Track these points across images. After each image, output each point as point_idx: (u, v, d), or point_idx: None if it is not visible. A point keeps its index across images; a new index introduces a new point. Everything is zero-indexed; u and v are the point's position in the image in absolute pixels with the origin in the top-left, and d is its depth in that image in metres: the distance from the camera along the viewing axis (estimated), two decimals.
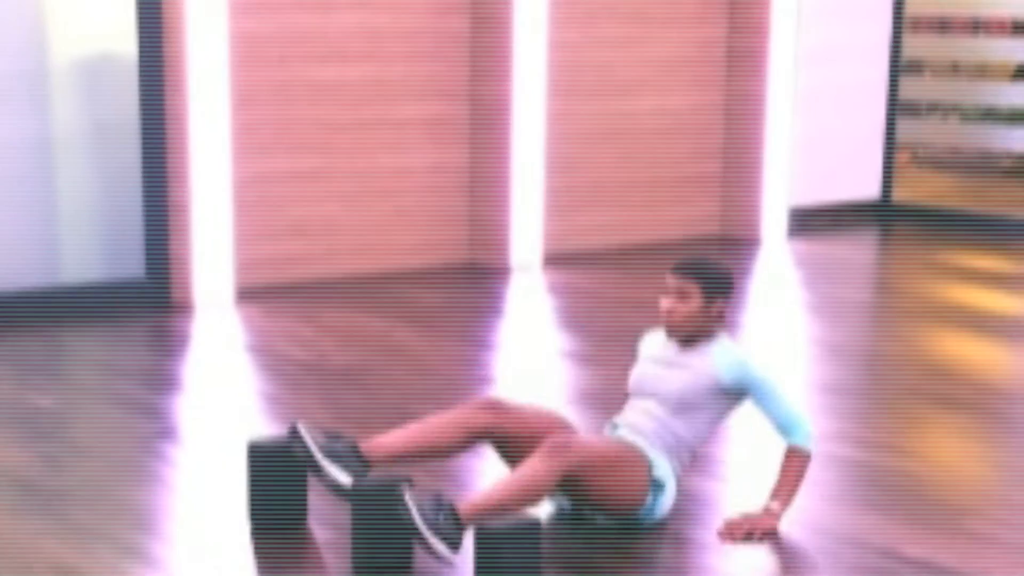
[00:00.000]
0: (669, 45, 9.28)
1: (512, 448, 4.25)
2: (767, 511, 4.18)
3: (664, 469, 4.22)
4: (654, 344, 4.45)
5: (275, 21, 7.63)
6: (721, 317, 4.33)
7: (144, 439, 5.01)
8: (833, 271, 8.45)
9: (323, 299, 7.45)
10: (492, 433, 4.21)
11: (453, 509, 3.76)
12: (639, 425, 4.28)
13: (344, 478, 3.98)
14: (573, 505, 4.29)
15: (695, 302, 4.28)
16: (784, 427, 4.24)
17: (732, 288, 4.35)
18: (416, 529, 3.67)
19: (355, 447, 4.05)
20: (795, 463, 4.22)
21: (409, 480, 3.82)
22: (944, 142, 10.76)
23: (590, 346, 6.48)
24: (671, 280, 4.30)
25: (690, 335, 4.32)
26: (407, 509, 3.69)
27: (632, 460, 4.13)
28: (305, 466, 4.02)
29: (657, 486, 4.20)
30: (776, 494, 4.21)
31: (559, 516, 4.30)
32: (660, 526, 4.23)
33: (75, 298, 7.05)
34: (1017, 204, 11.50)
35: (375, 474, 3.84)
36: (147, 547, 4.00)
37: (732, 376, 4.25)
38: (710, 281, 4.29)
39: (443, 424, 4.18)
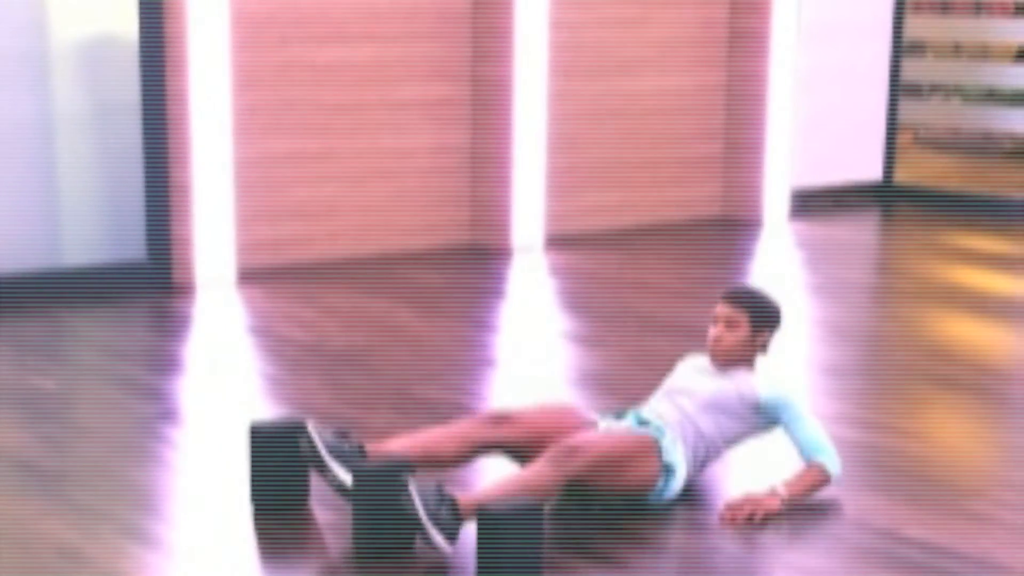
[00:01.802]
0: (670, 25, 9.26)
1: (524, 454, 4.24)
2: (772, 491, 4.19)
3: (675, 454, 4.22)
4: (694, 362, 4.49)
5: (276, 2, 7.61)
6: (765, 348, 4.40)
7: (146, 421, 5.01)
8: (835, 252, 8.44)
9: (324, 280, 7.45)
10: (500, 445, 4.20)
11: (455, 502, 3.77)
12: (664, 414, 4.30)
13: (348, 477, 3.98)
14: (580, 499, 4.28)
15: (743, 332, 4.34)
16: (812, 450, 4.25)
17: (780, 321, 4.41)
18: (417, 518, 3.68)
19: (362, 449, 4.06)
20: (815, 474, 4.24)
21: (411, 467, 3.82)
22: (946, 123, 10.75)
23: (592, 327, 6.48)
24: (721, 308, 4.36)
25: (733, 363, 4.38)
26: (410, 498, 3.70)
27: (641, 451, 4.12)
28: (310, 463, 4.02)
29: (668, 470, 4.20)
30: (787, 482, 4.22)
31: (563, 496, 4.30)
32: (665, 509, 4.23)
33: (77, 280, 7.05)
34: (1018, 185, 11.49)
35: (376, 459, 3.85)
36: (149, 528, 4.01)
37: (769, 395, 4.28)
38: (759, 313, 4.35)
39: (449, 436, 4.18)
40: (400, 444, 4.14)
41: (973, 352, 6.16)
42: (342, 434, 4.07)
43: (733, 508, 4.15)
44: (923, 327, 6.61)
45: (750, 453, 4.75)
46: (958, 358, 6.06)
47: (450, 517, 3.74)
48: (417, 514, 3.67)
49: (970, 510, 4.25)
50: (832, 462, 4.25)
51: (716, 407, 4.30)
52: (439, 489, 3.77)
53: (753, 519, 4.13)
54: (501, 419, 4.22)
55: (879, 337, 6.40)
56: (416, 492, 3.72)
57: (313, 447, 3.99)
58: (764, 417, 4.33)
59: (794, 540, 3.99)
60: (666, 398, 4.37)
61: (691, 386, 4.36)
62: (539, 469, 3.90)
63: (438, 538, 3.71)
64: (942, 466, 4.65)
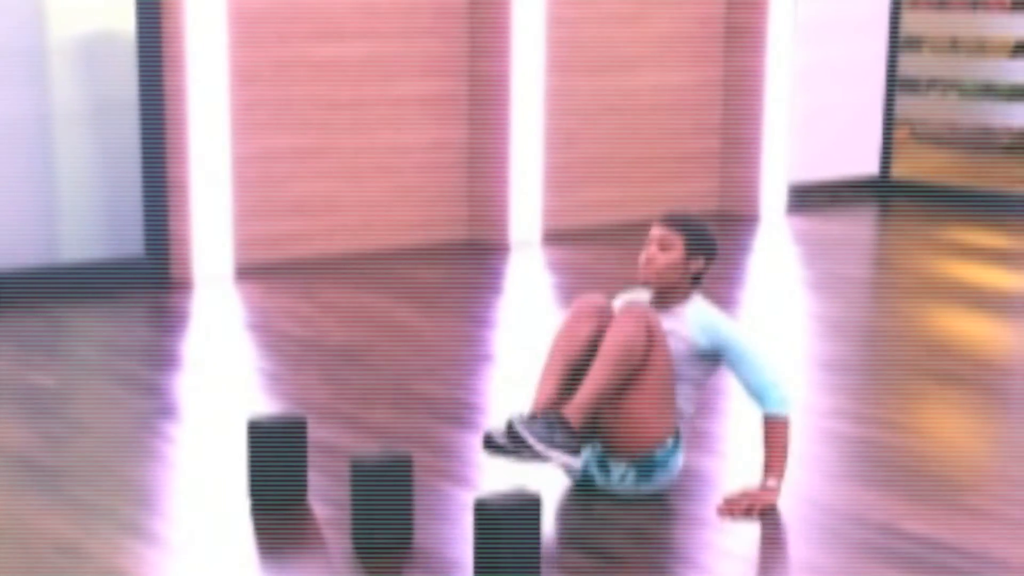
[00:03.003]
0: (668, 21, 9.26)
1: None
2: (766, 487, 4.17)
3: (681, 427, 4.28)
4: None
5: None
6: (699, 277, 4.28)
7: (144, 416, 5.01)
8: (832, 247, 8.45)
9: (322, 277, 7.45)
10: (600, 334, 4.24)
11: (564, 420, 3.94)
12: None
13: (575, 461, 4.05)
14: (593, 452, 4.26)
15: (676, 254, 4.23)
16: (756, 392, 4.17)
17: (715, 251, 4.29)
18: (538, 454, 3.86)
19: (561, 420, 4.06)
20: (775, 432, 4.16)
21: (409, 458, 3.82)
22: (943, 118, 10.75)
23: None
24: (655, 229, 4.26)
25: (664, 290, 4.27)
26: (524, 441, 3.86)
27: (673, 399, 4.18)
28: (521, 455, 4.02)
29: (678, 439, 4.21)
30: (769, 469, 4.18)
31: (569, 485, 4.30)
32: (662, 503, 4.23)
33: (75, 276, 7.05)
34: (1016, 180, 11.50)
35: (375, 450, 3.85)
36: (147, 524, 4.01)
37: (707, 338, 4.20)
38: (695, 236, 4.25)
39: (572, 344, 4.19)
40: (550, 387, 4.15)
41: (970, 347, 6.17)
42: (531, 418, 4.07)
43: (731, 503, 4.15)
44: (920, 322, 6.62)
45: (747, 435, 4.75)
46: (956, 353, 6.07)
47: (566, 436, 3.93)
48: (536, 451, 3.83)
49: (968, 505, 4.26)
50: (778, 402, 4.14)
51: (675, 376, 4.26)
52: (544, 416, 3.93)
53: (751, 513, 4.13)
54: (599, 310, 4.23)
55: (876, 332, 6.40)
56: (527, 431, 3.90)
57: (529, 448, 4.00)
58: (707, 362, 4.25)
59: (792, 535, 3.99)
60: None
61: None
62: (617, 330, 4.05)
63: (565, 459, 3.92)
64: (940, 461, 4.66)
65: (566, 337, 4.19)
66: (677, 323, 4.24)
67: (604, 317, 4.22)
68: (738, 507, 4.13)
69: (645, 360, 4.13)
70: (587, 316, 4.21)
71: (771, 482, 4.18)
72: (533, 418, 3.99)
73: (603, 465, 4.25)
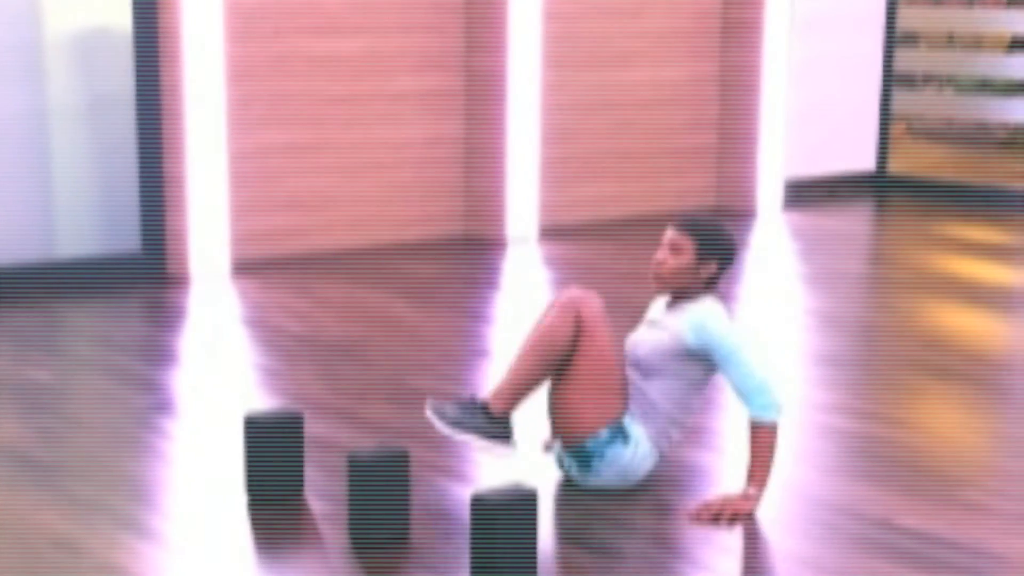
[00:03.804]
0: (664, 16, 9.26)
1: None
2: (745, 496, 4.08)
3: (636, 431, 4.21)
4: (654, 308, 4.41)
5: None
6: (712, 281, 4.24)
7: (141, 412, 5.01)
8: (828, 243, 8.45)
9: (319, 272, 7.45)
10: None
11: (483, 406, 4.06)
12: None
13: (499, 446, 4.15)
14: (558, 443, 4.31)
15: (686, 258, 4.19)
16: (743, 394, 4.10)
17: (731, 255, 4.24)
18: (449, 436, 3.98)
19: (482, 407, 4.17)
20: (760, 438, 4.07)
21: (405, 452, 3.83)
22: (939, 114, 10.76)
23: None
24: (668, 232, 4.23)
25: (676, 293, 4.25)
26: (434, 421, 4.04)
27: (612, 389, 4.18)
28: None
29: (618, 432, 4.18)
30: (752, 477, 4.09)
31: (558, 483, 4.31)
32: (655, 497, 4.23)
33: (71, 272, 7.05)
34: (1012, 175, 11.50)
35: (372, 446, 3.85)
36: (144, 520, 4.01)
37: (696, 337, 4.14)
38: (706, 240, 4.20)
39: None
40: (506, 384, 4.21)
41: (967, 342, 6.18)
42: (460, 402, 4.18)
43: (701, 509, 4.06)
44: (917, 317, 6.62)
45: (743, 431, 4.76)
46: (952, 348, 6.07)
47: (485, 420, 4.04)
48: (446, 434, 3.97)
49: (964, 499, 4.26)
50: (763, 407, 4.05)
51: (653, 369, 4.20)
52: (458, 402, 4.06)
53: (720, 519, 4.05)
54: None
55: (873, 327, 6.41)
56: (434, 414, 4.04)
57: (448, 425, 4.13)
58: (700, 362, 4.19)
59: (788, 529, 4.00)
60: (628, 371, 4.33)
61: (635, 350, 4.26)
62: (544, 322, 4.15)
63: (484, 443, 4.04)
64: (936, 455, 4.66)
65: (532, 330, 4.23)
66: (676, 321, 4.21)
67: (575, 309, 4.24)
68: (706, 513, 4.05)
69: (573, 349, 4.17)
70: (556, 308, 4.23)
71: (751, 490, 4.08)
72: (448, 403, 4.12)
73: (559, 456, 4.33)
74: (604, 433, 4.18)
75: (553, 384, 4.24)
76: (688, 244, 4.20)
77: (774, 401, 4.09)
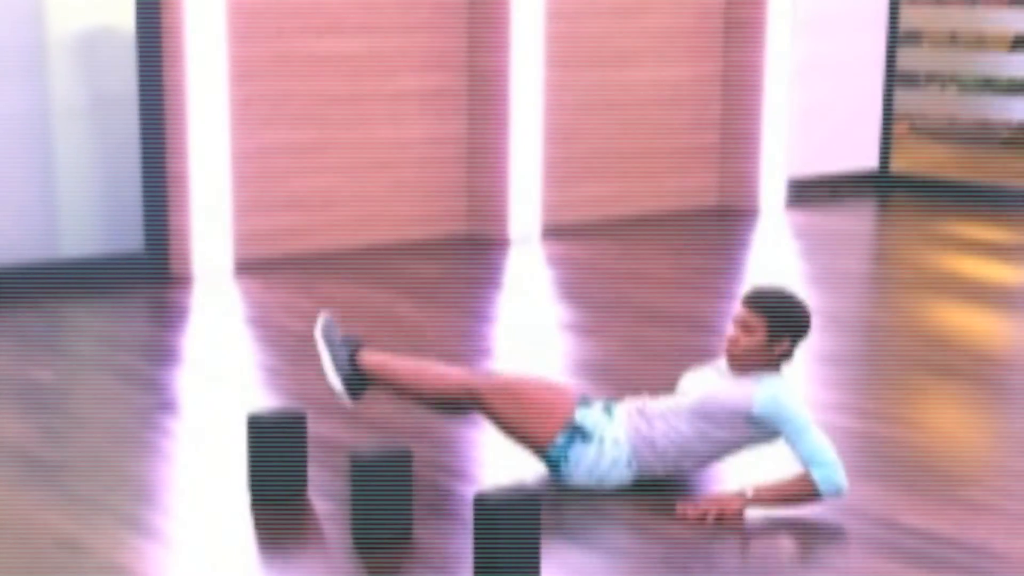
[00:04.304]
0: (667, 15, 9.26)
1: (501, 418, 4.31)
2: (739, 493, 4.06)
3: (602, 429, 4.21)
4: (716, 366, 4.33)
5: None
6: (788, 356, 4.16)
7: (144, 411, 5.01)
8: (831, 242, 8.45)
9: (322, 271, 7.45)
10: (479, 399, 4.31)
11: (358, 350, 4.43)
12: (637, 400, 4.30)
13: (337, 383, 4.47)
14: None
15: (759, 337, 4.12)
16: (814, 463, 4.04)
17: (804, 330, 4.14)
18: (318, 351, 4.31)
19: (357, 349, 4.51)
20: (800, 485, 4.04)
21: (408, 451, 3.83)
22: (942, 112, 10.75)
23: (589, 318, 6.48)
24: (739, 310, 4.15)
25: (748, 368, 4.18)
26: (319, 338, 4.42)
27: (549, 400, 4.23)
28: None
29: (573, 432, 4.19)
30: (759, 487, 4.06)
31: (554, 484, 4.31)
32: (658, 495, 4.23)
33: (74, 271, 7.05)
34: (1015, 174, 11.50)
35: (374, 445, 3.85)
36: (147, 519, 4.01)
37: (764, 409, 4.07)
38: (779, 319, 4.11)
39: (439, 375, 4.41)
40: (387, 360, 4.47)
41: (970, 340, 6.17)
42: (351, 340, 4.50)
43: (690, 504, 4.05)
44: (920, 316, 6.62)
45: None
46: (955, 346, 6.07)
47: (347, 362, 4.36)
48: (317, 347, 4.21)
49: (967, 498, 4.26)
50: (827, 478, 4.02)
51: (704, 414, 4.13)
52: (346, 336, 4.39)
53: (706, 518, 4.03)
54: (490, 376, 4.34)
55: (876, 326, 6.40)
56: (320, 328, 4.37)
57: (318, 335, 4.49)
58: (759, 429, 4.12)
59: (790, 528, 3.99)
60: (664, 397, 4.34)
61: (695, 386, 4.22)
62: (449, 370, 4.34)
63: (331, 376, 4.36)
64: (939, 454, 4.66)
65: (445, 373, 4.42)
66: (747, 382, 4.14)
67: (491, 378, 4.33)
68: (696, 510, 4.03)
69: (479, 407, 4.31)
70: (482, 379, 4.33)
71: (749, 491, 4.05)
72: (338, 327, 4.39)
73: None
74: (560, 438, 4.22)
75: (497, 425, 4.31)
76: (759, 323, 4.11)
77: (840, 484, 4.04)
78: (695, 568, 3.71)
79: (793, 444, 4.06)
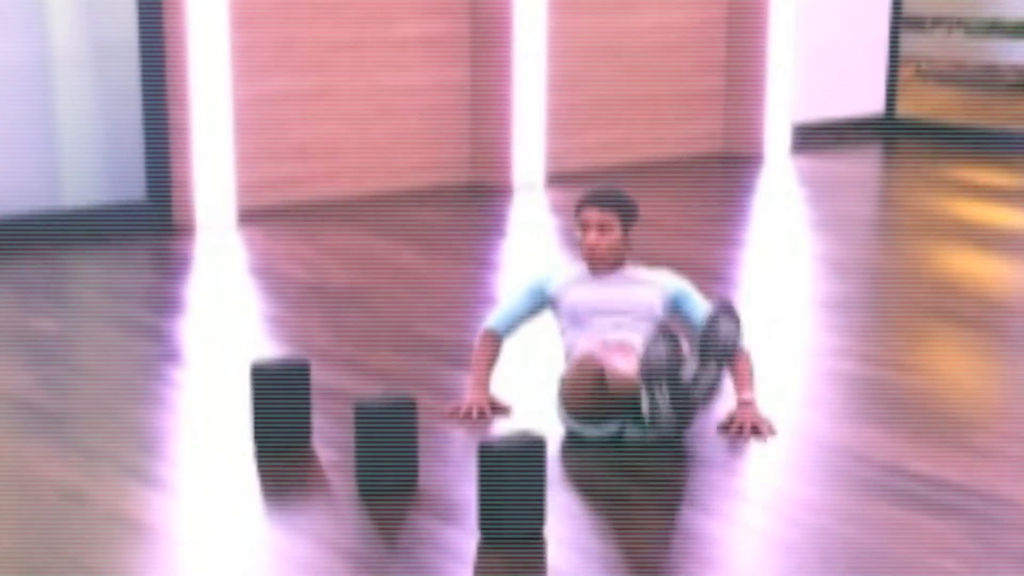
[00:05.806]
0: None
1: None
2: (741, 402, 4.32)
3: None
4: (570, 278, 4.46)
5: None
6: (630, 245, 4.45)
7: (147, 361, 5.01)
8: (837, 187, 8.41)
9: (325, 220, 7.43)
10: None
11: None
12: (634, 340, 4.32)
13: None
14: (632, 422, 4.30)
15: (617, 234, 4.38)
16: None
17: (638, 216, 4.49)
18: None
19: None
20: (742, 360, 4.35)
21: (412, 400, 3.81)
22: (948, 56, 10.68)
23: None
24: (592, 213, 4.37)
25: (611, 266, 4.42)
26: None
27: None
28: None
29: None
30: (739, 389, 4.33)
31: (570, 437, 4.30)
32: (665, 445, 4.23)
33: (76, 221, 7.03)
34: (1022, 118, 11.44)
35: (379, 394, 3.84)
36: (151, 469, 4.01)
37: (674, 289, 4.41)
38: (626, 211, 4.40)
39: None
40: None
41: (976, 286, 6.15)
42: None
43: (733, 426, 4.29)
44: (926, 261, 6.59)
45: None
46: (961, 292, 6.05)
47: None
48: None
49: (973, 443, 4.25)
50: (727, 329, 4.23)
51: (652, 318, 4.38)
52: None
53: (759, 431, 4.27)
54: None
55: (881, 271, 6.38)
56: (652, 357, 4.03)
57: None
58: (665, 312, 4.43)
59: (797, 474, 3.99)
60: (609, 322, 4.37)
61: (622, 305, 4.39)
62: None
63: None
64: (945, 400, 4.65)
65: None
66: (648, 280, 4.43)
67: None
68: (745, 429, 4.26)
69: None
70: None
71: (746, 395, 4.31)
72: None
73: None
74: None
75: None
76: (614, 219, 4.38)
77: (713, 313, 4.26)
78: (700, 517, 3.71)
79: (693, 315, 4.38)
